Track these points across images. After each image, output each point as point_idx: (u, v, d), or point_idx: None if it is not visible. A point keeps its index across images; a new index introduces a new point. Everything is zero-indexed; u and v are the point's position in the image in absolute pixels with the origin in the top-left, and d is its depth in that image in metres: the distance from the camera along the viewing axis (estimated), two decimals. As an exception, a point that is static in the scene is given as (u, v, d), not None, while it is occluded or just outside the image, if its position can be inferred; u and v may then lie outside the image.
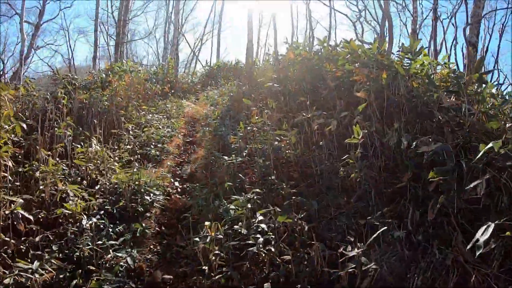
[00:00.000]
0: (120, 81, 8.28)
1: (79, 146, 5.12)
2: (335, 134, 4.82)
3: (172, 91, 12.05)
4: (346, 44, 7.01)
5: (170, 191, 4.77)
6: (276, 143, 4.97)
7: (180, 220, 4.10)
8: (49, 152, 4.55)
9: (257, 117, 6.21)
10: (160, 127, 6.96)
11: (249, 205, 3.61)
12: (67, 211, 3.43)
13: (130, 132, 6.33)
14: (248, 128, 6.02)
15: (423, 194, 3.59)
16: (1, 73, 23.39)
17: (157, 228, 3.92)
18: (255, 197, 3.83)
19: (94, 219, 3.39)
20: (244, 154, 5.05)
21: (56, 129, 5.23)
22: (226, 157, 4.47)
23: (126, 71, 10.03)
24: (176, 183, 5.01)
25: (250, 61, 12.23)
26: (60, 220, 3.52)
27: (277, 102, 6.93)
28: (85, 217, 3.38)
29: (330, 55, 7.27)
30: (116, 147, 5.80)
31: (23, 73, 26.22)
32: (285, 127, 4.68)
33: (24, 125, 5.90)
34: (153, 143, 6.08)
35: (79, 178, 4.48)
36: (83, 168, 4.54)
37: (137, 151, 5.69)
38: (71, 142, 5.35)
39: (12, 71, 25.69)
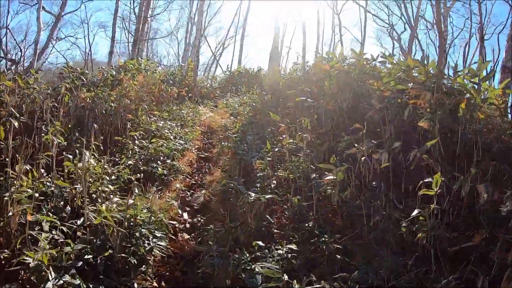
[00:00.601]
0: (132, 80, 7.33)
1: (71, 156, 4.17)
2: (384, 169, 3.79)
3: (190, 95, 11.10)
4: (390, 59, 5.99)
5: (177, 226, 3.76)
6: (314, 175, 3.93)
7: (186, 273, 3.09)
8: (28, 166, 3.58)
9: (285, 136, 5.21)
10: (172, 137, 5.97)
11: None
12: (30, 261, 2.42)
13: (136, 141, 5.35)
14: (276, 149, 5.00)
15: (498, 259, 2.75)
16: (18, 61, 23.00)
17: (155, 284, 2.91)
18: (289, 255, 2.81)
19: (67, 277, 2.37)
20: (272, 185, 4.01)
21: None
22: (251, 194, 3.41)
23: (141, 70, 9.11)
24: (185, 215, 3.99)
25: (276, 69, 11.26)
26: (21, 275, 2.53)
27: (311, 121, 5.94)
28: (52, 274, 2.36)
29: (371, 70, 6.25)
30: (118, 159, 4.83)
31: (42, 64, 25.81)
32: (333, 160, 3.61)
33: (16, 124, 5.10)
34: (162, 158, 5.08)
35: (62, 202, 3.51)
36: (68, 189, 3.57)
37: (141, 168, 4.69)
38: (63, 151, 4.42)
39: (29, 61, 25.25)
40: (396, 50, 25.03)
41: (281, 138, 5.53)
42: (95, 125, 5.29)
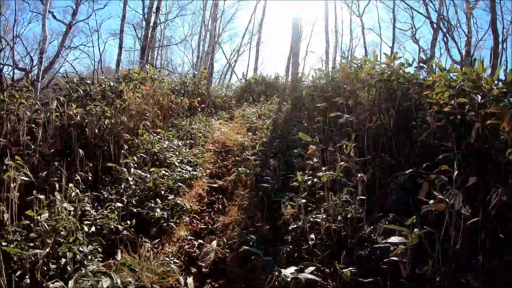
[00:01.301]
0: (135, 92, 6.31)
1: (43, 196, 3.14)
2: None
3: (203, 105, 10.08)
4: (438, 64, 4.84)
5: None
6: (368, 229, 2.79)
7: None
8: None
9: (316, 160, 4.13)
10: (177, 162, 4.88)
11: None
12: None
13: (132, 170, 4.29)
14: (309, 181, 3.88)
15: None
16: (29, 70, 22.47)
17: None
18: None
19: None
20: (311, 242, 2.88)
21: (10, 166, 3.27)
22: (285, 273, 2.27)
23: (146, 79, 8.11)
24: (190, 281, 2.89)
25: (298, 77, 10.15)
26: None
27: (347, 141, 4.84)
28: None
29: (413, 77, 5.12)
30: (107, 194, 3.77)
31: (54, 74, 25.24)
32: (410, 221, 2.43)
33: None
34: (163, 192, 4.01)
35: (19, 272, 2.46)
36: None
37: (134, 210, 3.62)
38: (33, 189, 3.39)
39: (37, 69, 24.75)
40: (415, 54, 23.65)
41: (311, 162, 4.43)
42: (82, 151, 4.28)
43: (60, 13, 30.56)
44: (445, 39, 20.43)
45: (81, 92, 6.23)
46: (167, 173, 4.30)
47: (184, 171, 4.60)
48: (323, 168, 4.09)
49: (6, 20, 22.69)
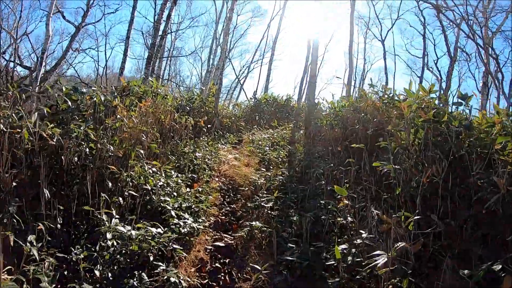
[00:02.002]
0: (130, 109, 5.31)
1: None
2: None
3: (209, 125, 9.05)
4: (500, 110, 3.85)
5: None
6: None
7: None
8: None
9: (353, 221, 3.13)
10: (174, 209, 3.81)
11: None
12: None
13: (113, 220, 3.21)
14: (349, 257, 2.84)
15: None
16: (34, 69, 21.64)
17: None
18: None
19: None
20: None
21: None
22: None
23: (148, 93, 7.11)
24: None
25: (319, 103, 9.16)
26: None
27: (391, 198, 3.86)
28: None
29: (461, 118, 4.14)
30: (75, 260, 2.71)
31: (60, 76, 24.40)
32: None
33: None
34: (151, 258, 2.94)
35: None
36: None
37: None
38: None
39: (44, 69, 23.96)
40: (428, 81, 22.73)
41: (345, 221, 3.43)
42: (46, 192, 3.23)
43: (72, 15, 29.86)
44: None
45: (71, 104, 5.16)
46: (156, 236, 3.18)
47: (182, 224, 3.52)
48: (364, 235, 3.09)
49: (16, 16, 21.96)
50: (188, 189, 4.45)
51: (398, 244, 2.58)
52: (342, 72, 31.91)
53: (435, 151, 3.71)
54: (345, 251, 2.85)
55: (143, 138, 5.12)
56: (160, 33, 12.93)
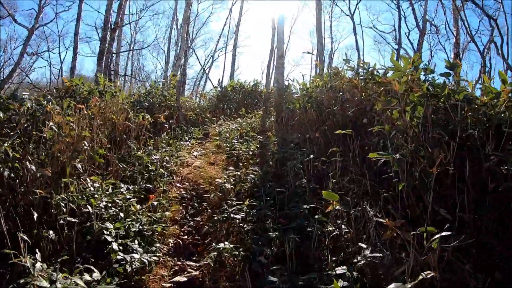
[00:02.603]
0: (65, 114, 4.40)
1: None
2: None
3: (171, 121, 8.14)
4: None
5: None
6: None
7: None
8: None
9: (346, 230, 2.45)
10: (119, 238, 2.98)
11: None
12: None
13: (38, 264, 2.37)
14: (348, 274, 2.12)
15: None
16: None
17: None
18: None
19: None
20: None
21: None
22: None
23: (94, 91, 6.17)
24: None
25: (289, 85, 8.40)
26: None
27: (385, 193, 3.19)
28: None
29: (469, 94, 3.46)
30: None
31: (20, 83, 22.66)
32: None
33: None
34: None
35: None
36: None
37: None
38: None
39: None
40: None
41: (336, 231, 2.73)
42: None
43: (27, 18, 27.96)
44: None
45: (2, 115, 4.15)
46: (96, 276, 2.37)
47: (128, 259, 2.70)
48: (366, 252, 2.40)
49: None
50: (139, 206, 3.60)
51: (423, 274, 1.86)
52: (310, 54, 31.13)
53: (437, 131, 3.02)
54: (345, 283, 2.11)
55: (85, 147, 4.25)
56: (111, 25, 11.84)
